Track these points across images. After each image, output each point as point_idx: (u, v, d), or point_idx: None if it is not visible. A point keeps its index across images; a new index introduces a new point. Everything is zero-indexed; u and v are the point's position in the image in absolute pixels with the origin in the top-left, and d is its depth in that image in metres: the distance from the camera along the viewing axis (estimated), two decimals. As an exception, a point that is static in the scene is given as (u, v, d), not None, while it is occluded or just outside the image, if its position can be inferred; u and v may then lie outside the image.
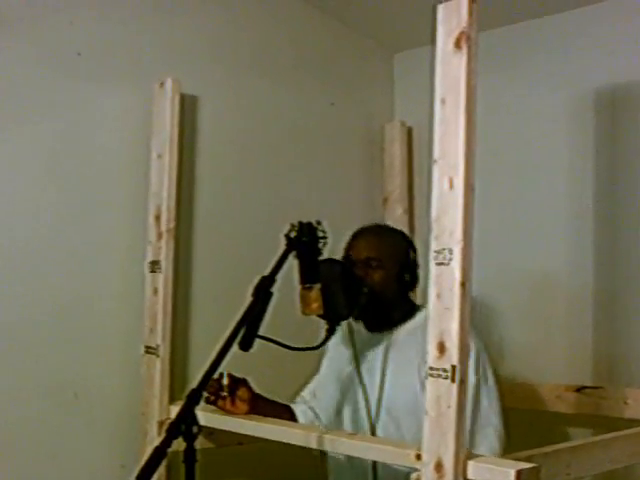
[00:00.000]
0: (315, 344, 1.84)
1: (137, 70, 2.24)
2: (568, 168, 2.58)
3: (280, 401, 2.10)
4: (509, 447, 1.79)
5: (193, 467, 1.38)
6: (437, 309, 1.45)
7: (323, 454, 2.05)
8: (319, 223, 1.75)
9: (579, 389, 2.32)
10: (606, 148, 2.50)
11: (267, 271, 1.65)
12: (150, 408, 2.09)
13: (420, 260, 2.00)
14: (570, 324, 2.53)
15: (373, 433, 1.94)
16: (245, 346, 1.60)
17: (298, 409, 2.11)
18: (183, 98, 2.22)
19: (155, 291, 2.11)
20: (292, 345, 1.78)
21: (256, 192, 2.50)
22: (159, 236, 2.12)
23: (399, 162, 2.89)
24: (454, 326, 1.42)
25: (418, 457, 1.49)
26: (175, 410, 1.92)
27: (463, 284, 1.42)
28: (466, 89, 1.44)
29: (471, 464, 1.44)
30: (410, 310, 2.01)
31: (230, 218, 2.44)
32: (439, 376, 1.43)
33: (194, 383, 1.47)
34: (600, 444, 1.78)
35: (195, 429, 1.37)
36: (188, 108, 2.30)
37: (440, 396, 1.43)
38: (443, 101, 1.48)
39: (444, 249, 1.45)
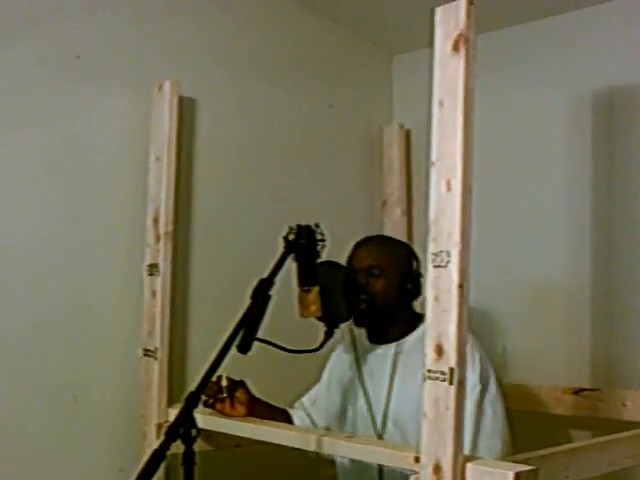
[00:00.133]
0: (313, 346, 1.84)
1: (136, 73, 2.24)
2: (566, 170, 2.58)
3: (278, 405, 2.10)
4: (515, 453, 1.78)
5: (192, 470, 1.38)
6: (435, 312, 1.45)
7: (319, 455, 2.05)
8: (317, 226, 1.76)
9: (577, 391, 2.33)
10: (604, 150, 2.51)
11: (265, 274, 1.65)
12: (148, 411, 2.09)
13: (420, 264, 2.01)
14: (568, 327, 2.53)
15: None
16: (244, 349, 1.60)
17: (296, 415, 2.11)
18: (182, 101, 2.22)
19: (153, 294, 2.11)
20: (290, 348, 1.78)
21: (254, 195, 2.51)
22: (157, 239, 2.12)
23: (398, 164, 2.90)
24: (452, 329, 1.42)
25: (417, 459, 1.49)
26: (173, 413, 1.91)
27: (461, 286, 1.42)
28: (464, 91, 1.44)
29: (469, 466, 1.44)
30: (413, 320, 1.98)
31: (228, 221, 2.44)
32: (437, 379, 1.43)
33: (192, 386, 1.47)
34: (598, 446, 1.78)
35: (194, 432, 1.37)
36: (187, 111, 2.30)
37: (438, 398, 1.43)
38: (441, 103, 1.48)
39: (442, 251, 1.45)
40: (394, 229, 2.80)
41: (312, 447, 1.75)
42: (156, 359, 2.08)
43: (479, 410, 1.79)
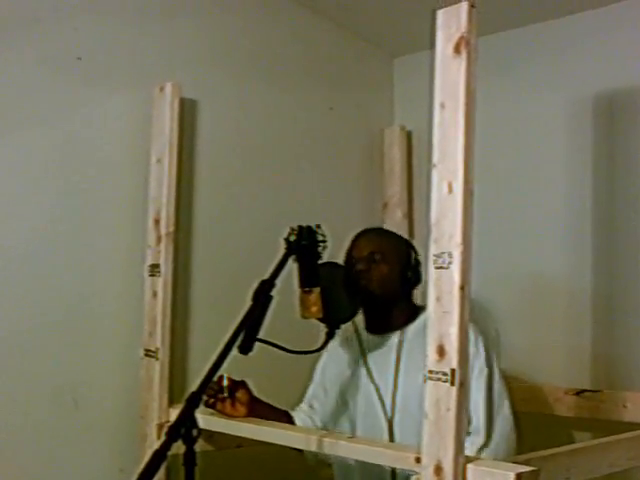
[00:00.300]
0: (314, 347, 1.84)
1: (137, 74, 2.24)
2: (566, 172, 2.59)
3: (279, 406, 2.10)
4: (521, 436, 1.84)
5: (193, 470, 1.38)
6: (436, 313, 1.46)
7: (318, 463, 2.06)
8: (318, 227, 1.76)
9: (578, 392, 2.33)
10: (604, 153, 2.51)
11: (267, 275, 1.65)
12: (149, 411, 2.09)
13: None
14: (569, 328, 2.54)
15: (391, 430, 1.93)
16: (245, 350, 1.60)
17: (297, 417, 2.11)
18: (183, 102, 2.22)
19: (154, 294, 2.12)
20: (292, 348, 1.78)
21: (255, 196, 2.51)
22: (158, 240, 2.13)
23: (399, 166, 2.90)
24: (453, 330, 1.43)
25: (417, 460, 1.49)
26: (174, 413, 1.92)
27: (462, 288, 1.43)
28: (465, 94, 1.45)
29: (470, 467, 1.44)
30: (414, 310, 2.02)
31: (229, 222, 2.44)
32: (439, 379, 1.44)
33: (193, 386, 1.47)
34: (599, 447, 1.78)
35: (195, 432, 1.37)
36: (188, 112, 2.30)
37: (439, 399, 1.43)
38: (442, 105, 1.48)
39: (443, 253, 1.45)
40: (395, 231, 2.80)
41: (313, 447, 1.75)
42: (157, 359, 2.09)
43: (490, 392, 1.84)
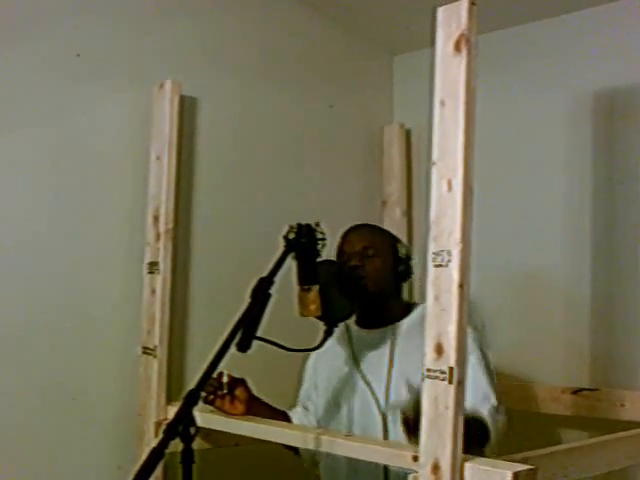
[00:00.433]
0: (313, 345, 1.84)
1: (137, 71, 2.24)
2: (566, 170, 2.59)
3: (277, 405, 2.10)
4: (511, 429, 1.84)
5: (190, 468, 1.37)
6: (435, 311, 1.45)
7: (314, 465, 2.06)
8: (317, 225, 1.76)
9: (576, 391, 2.33)
10: (604, 151, 2.51)
11: (265, 272, 1.65)
12: (147, 409, 2.09)
13: (418, 262, 2.01)
14: (567, 326, 2.54)
15: (385, 426, 1.93)
16: (243, 347, 1.60)
17: (295, 416, 2.10)
18: (182, 100, 2.22)
19: (153, 292, 2.11)
20: (290, 346, 1.78)
21: (254, 194, 2.51)
22: (157, 237, 2.13)
23: (398, 164, 2.90)
24: (452, 328, 1.42)
25: (415, 458, 1.49)
26: (172, 411, 1.92)
27: (461, 286, 1.42)
28: (465, 91, 1.44)
29: (468, 466, 1.44)
30: (406, 305, 2.04)
31: (228, 219, 2.44)
32: (436, 378, 1.43)
33: (191, 384, 1.46)
34: (597, 446, 1.78)
35: (193, 430, 1.37)
36: (187, 110, 2.30)
37: (437, 397, 1.43)
38: (442, 103, 1.48)
39: (442, 251, 1.45)
40: (394, 229, 2.78)
41: (310, 445, 1.75)
42: (155, 357, 2.09)
43: (488, 368, 1.87)
